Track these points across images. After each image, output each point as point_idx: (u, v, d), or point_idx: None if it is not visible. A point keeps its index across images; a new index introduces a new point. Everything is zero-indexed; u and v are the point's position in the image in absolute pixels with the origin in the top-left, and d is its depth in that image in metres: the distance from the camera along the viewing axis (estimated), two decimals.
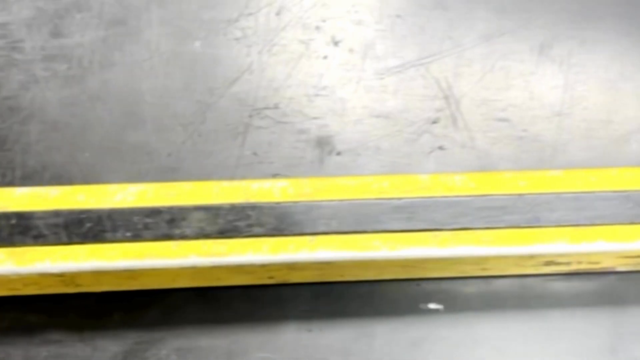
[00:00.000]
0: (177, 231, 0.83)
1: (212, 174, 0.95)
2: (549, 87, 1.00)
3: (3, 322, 0.87)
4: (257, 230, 0.83)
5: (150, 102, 0.97)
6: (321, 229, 0.84)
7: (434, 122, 0.98)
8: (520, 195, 0.86)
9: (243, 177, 0.94)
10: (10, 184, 0.91)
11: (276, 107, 0.98)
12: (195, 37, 1.01)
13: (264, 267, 0.84)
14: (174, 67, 0.99)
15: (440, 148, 0.97)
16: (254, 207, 0.84)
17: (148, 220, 0.83)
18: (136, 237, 0.82)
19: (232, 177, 0.94)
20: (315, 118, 0.98)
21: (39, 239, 0.81)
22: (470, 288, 0.91)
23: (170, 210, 0.84)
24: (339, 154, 0.96)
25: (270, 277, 0.87)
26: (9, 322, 0.87)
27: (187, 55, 1.00)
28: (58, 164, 0.93)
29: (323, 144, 0.97)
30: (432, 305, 0.91)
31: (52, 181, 0.91)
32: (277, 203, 0.85)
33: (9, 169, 0.93)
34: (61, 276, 0.82)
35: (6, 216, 0.82)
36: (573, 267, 0.89)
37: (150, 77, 0.98)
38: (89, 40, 1.00)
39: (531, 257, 0.85)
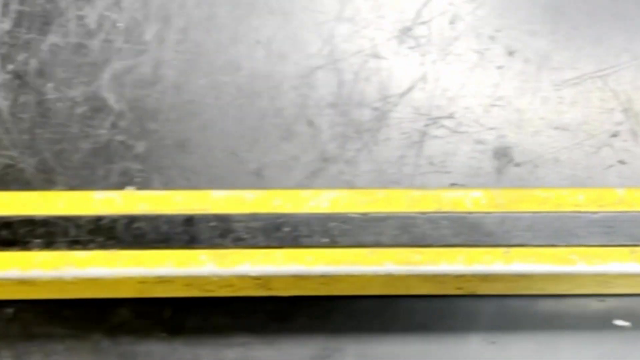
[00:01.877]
0: (371, 238, 0.83)
1: (389, 182, 0.95)
2: None
3: (193, 322, 0.88)
4: (451, 240, 0.83)
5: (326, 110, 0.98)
6: (516, 241, 0.83)
7: (614, 135, 0.96)
8: None
9: (420, 186, 0.94)
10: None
11: (451, 116, 0.98)
12: (370, 45, 1.01)
13: (456, 277, 0.83)
14: (349, 75, 0.99)
15: (621, 162, 0.95)
16: (447, 216, 0.84)
17: (344, 226, 0.83)
18: (332, 243, 0.83)
19: (409, 186, 0.94)
20: (492, 128, 0.97)
21: (239, 242, 0.82)
22: None
23: (363, 217, 0.84)
24: (517, 165, 0.95)
25: (459, 288, 0.87)
26: (199, 323, 0.88)
27: (362, 63, 1.00)
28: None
29: (501, 154, 0.96)
30: (618, 322, 0.89)
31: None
32: (470, 213, 0.84)
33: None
34: (258, 279, 0.83)
35: (206, 218, 0.83)
36: None
37: (323, 85, 0.99)
38: None
39: None
